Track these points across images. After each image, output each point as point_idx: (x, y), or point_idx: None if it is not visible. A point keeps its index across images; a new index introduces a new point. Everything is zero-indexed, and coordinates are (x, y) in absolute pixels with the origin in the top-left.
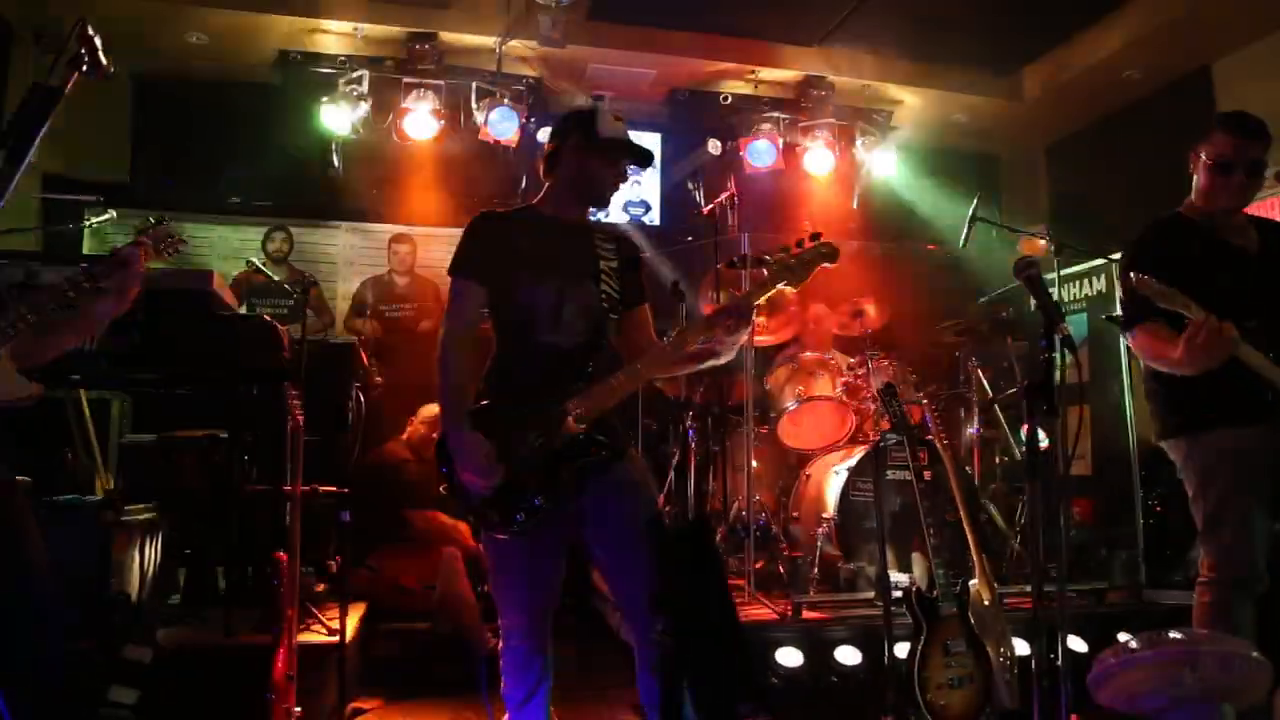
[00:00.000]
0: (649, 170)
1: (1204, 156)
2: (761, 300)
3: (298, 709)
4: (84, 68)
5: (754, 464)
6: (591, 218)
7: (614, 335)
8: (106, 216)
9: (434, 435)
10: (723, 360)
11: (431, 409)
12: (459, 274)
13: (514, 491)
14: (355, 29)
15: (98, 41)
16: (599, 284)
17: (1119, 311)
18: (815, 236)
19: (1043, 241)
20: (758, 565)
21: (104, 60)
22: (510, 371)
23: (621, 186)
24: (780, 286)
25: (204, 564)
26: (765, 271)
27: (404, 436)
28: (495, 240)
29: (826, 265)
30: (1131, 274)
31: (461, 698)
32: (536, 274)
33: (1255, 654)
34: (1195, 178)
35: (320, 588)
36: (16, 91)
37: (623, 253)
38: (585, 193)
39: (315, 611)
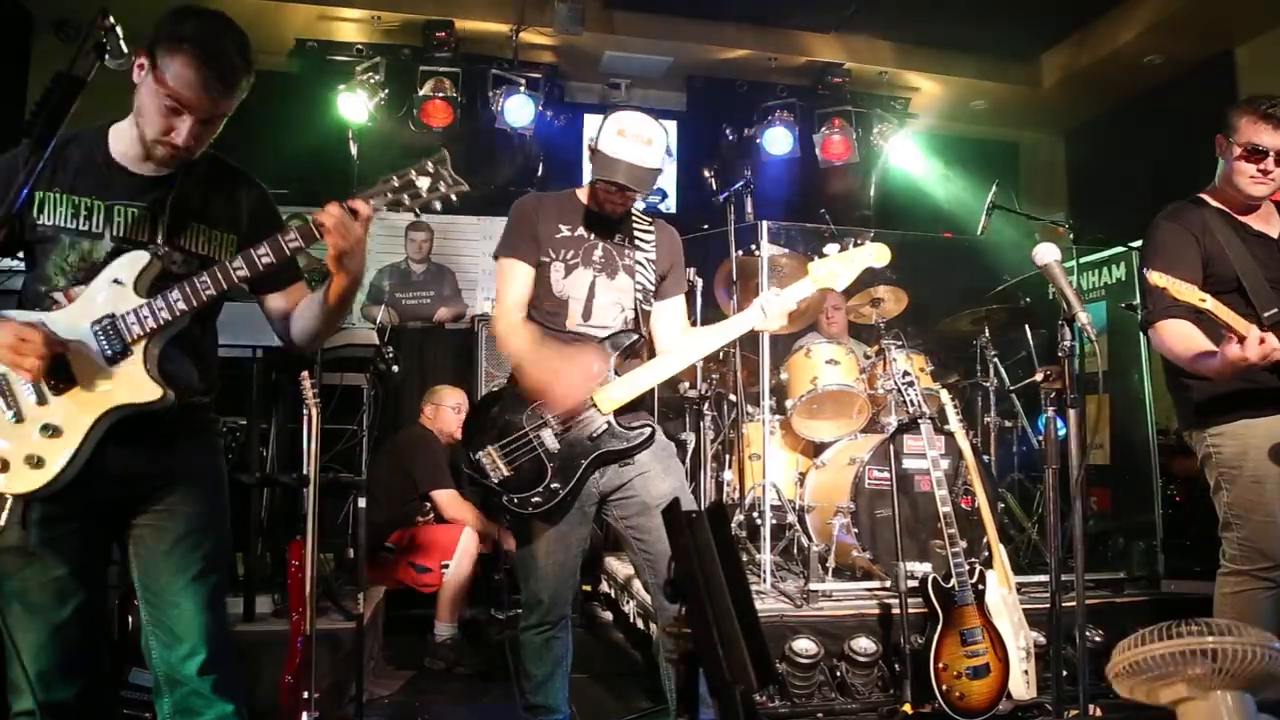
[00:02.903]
0: (665, 157)
1: (1233, 142)
2: (800, 301)
3: (315, 694)
4: (105, 57)
5: (770, 453)
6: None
7: (647, 326)
8: None
9: (445, 412)
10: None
11: (440, 390)
12: (506, 254)
13: (531, 476)
14: (372, 17)
15: (119, 31)
16: (634, 275)
17: (1138, 300)
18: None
19: (1062, 229)
20: (773, 554)
21: (125, 49)
22: None
23: (626, 203)
24: (827, 287)
25: None
26: (810, 280)
27: (423, 419)
28: (541, 223)
29: (874, 267)
30: (1148, 272)
31: (478, 683)
32: (572, 264)
33: (1277, 644)
34: (1221, 162)
35: (338, 574)
36: (39, 81)
37: (662, 244)
38: (598, 202)
39: (333, 597)
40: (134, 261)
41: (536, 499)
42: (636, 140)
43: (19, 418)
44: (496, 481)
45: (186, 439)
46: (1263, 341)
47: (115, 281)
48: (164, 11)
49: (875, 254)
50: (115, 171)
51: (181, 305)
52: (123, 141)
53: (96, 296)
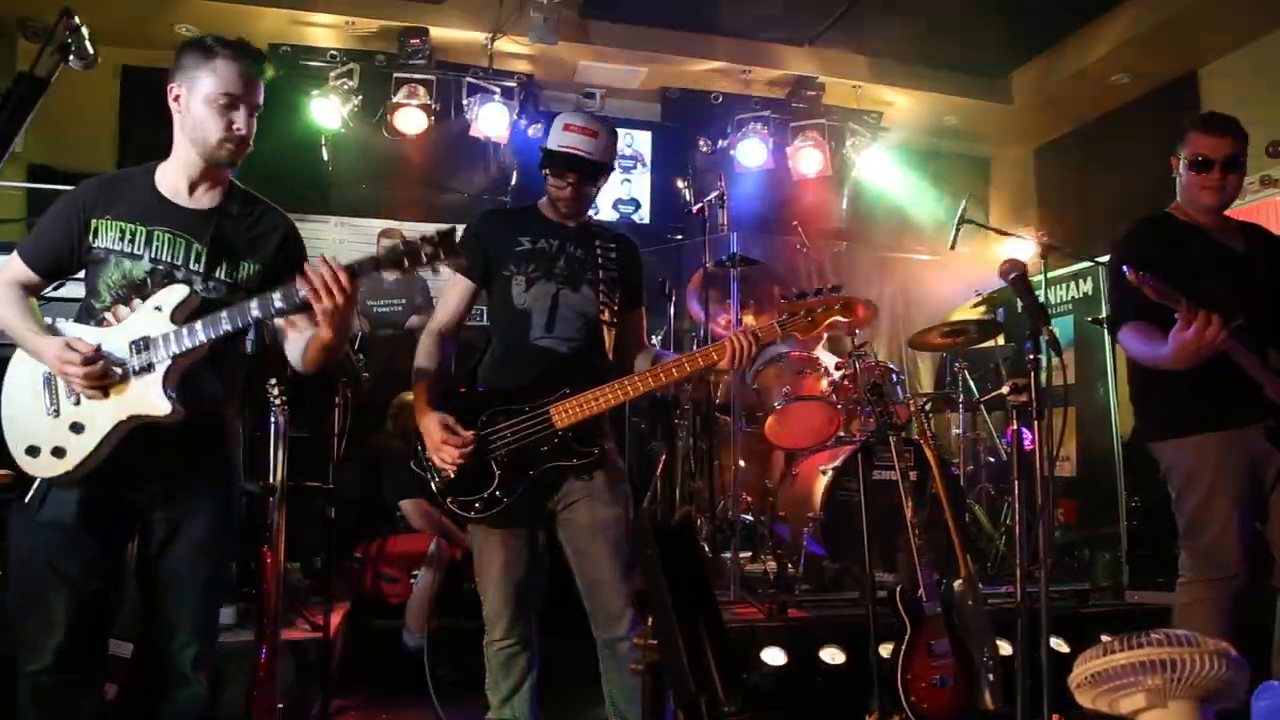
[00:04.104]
0: (639, 168)
1: (1183, 157)
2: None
3: (280, 705)
4: (70, 58)
5: (741, 463)
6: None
7: (609, 341)
8: None
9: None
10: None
11: (403, 397)
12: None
13: (477, 480)
14: (347, 22)
15: (85, 31)
16: (597, 290)
17: (1104, 312)
18: (836, 289)
19: (1031, 244)
20: (744, 564)
21: (91, 50)
22: (504, 369)
23: (578, 199)
24: (793, 335)
25: None
26: (777, 324)
27: (389, 429)
28: (495, 239)
29: (840, 320)
30: (1125, 268)
31: (444, 696)
32: (534, 276)
33: (1234, 655)
34: (1178, 180)
35: (306, 584)
36: (2, 81)
37: (622, 257)
38: (552, 202)
39: (300, 608)
40: (174, 293)
41: (478, 504)
42: (580, 134)
43: (57, 413)
44: (441, 483)
45: (207, 445)
46: (1210, 325)
47: (156, 308)
48: (180, 46)
49: (842, 309)
50: (159, 203)
51: (201, 336)
52: (168, 178)
53: (140, 319)
